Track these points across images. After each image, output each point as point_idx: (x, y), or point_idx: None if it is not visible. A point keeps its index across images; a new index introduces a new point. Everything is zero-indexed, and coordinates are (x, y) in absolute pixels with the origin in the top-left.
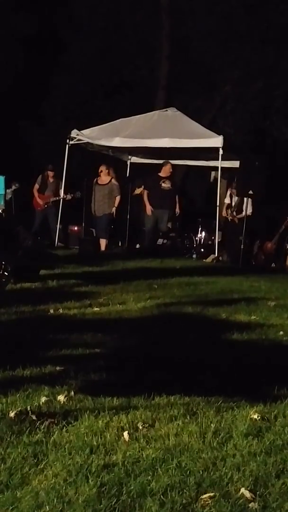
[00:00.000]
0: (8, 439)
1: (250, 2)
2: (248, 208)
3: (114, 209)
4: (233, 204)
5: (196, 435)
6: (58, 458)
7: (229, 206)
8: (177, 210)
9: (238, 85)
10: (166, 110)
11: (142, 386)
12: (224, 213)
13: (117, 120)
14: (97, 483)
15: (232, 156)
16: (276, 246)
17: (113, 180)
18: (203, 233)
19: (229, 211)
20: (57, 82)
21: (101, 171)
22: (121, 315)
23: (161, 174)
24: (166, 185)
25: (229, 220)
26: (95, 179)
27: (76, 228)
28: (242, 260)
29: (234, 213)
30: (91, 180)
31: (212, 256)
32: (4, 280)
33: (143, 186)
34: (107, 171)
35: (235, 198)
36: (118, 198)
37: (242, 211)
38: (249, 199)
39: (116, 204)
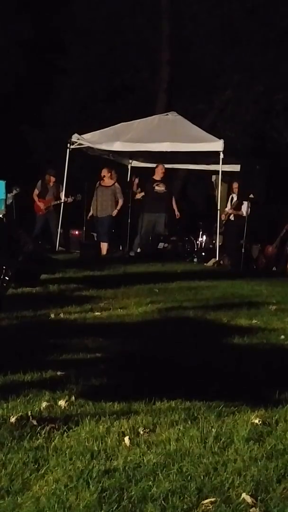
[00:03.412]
0: (9, 444)
1: (251, 5)
2: (245, 209)
3: (115, 212)
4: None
5: (197, 440)
6: (59, 463)
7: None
8: (177, 213)
9: (239, 88)
10: (167, 114)
11: (143, 391)
12: (223, 217)
13: (118, 124)
14: (98, 489)
15: (232, 160)
16: (277, 250)
17: (116, 184)
18: (204, 237)
19: (228, 209)
20: (57, 86)
21: (104, 176)
22: (122, 319)
23: (155, 177)
24: (160, 188)
25: (228, 217)
26: (98, 182)
27: (77, 232)
28: (243, 264)
29: (232, 210)
30: (92, 184)
31: (213, 260)
32: (5, 284)
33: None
34: (109, 174)
35: (234, 200)
36: (121, 202)
37: (240, 209)
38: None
39: (118, 208)
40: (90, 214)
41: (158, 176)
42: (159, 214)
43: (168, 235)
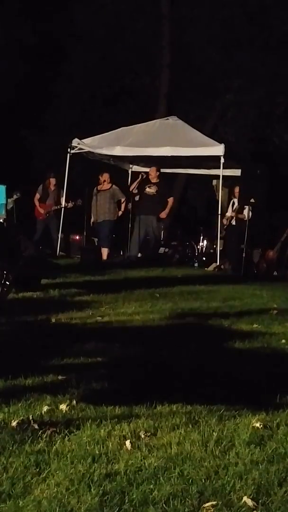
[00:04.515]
0: (10, 448)
1: (251, 10)
2: (247, 213)
3: (120, 213)
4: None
5: (198, 444)
6: (60, 467)
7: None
8: (163, 214)
9: (239, 93)
10: (167, 119)
11: (144, 395)
12: (224, 221)
13: (118, 129)
14: (99, 492)
15: (233, 164)
16: (278, 254)
17: (114, 185)
18: (205, 242)
19: (230, 212)
20: (58, 91)
21: (104, 180)
22: (123, 324)
23: (149, 179)
24: (151, 190)
25: (229, 222)
26: (96, 187)
27: (77, 237)
28: (244, 268)
29: (234, 213)
30: (92, 189)
31: (214, 265)
32: (5, 289)
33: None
34: (104, 180)
35: (236, 205)
36: (123, 200)
37: (242, 213)
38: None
39: (123, 208)
40: (92, 220)
41: (151, 178)
42: (148, 216)
43: (168, 240)
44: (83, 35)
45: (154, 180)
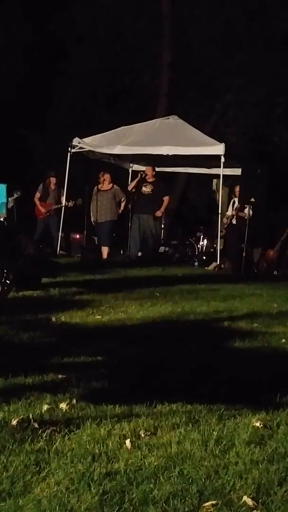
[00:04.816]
0: (10, 447)
1: (252, 9)
2: (248, 212)
3: (120, 211)
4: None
5: (198, 443)
6: (60, 466)
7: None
8: (159, 212)
9: (240, 92)
10: (168, 118)
11: (144, 394)
12: (225, 221)
13: (119, 128)
14: (99, 491)
15: (233, 164)
16: (278, 254)
17: (114, 185)
18: (205, 241)
19: (231, 212)
20: (58, 90)
21: (104, 179)
22: (123, 323)
23: (146, 178)
24: (146, 189)
25: (230, 221)
26: (96, 186)
27: (78, 236)
28: (244, 267)
29: (235, 211)
30: (92, 187)
31: (214, 264)
32: (6, 288)
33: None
34: (104, 179)
35: (236, 204)
36: (124, 200)
37: (243, 211)
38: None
39: (122, 207)
40: (93, 220)
41: (147, 178)
42: (144, 215)
43: (168, 239)
44: (83, 35)
45: (150, 180)
